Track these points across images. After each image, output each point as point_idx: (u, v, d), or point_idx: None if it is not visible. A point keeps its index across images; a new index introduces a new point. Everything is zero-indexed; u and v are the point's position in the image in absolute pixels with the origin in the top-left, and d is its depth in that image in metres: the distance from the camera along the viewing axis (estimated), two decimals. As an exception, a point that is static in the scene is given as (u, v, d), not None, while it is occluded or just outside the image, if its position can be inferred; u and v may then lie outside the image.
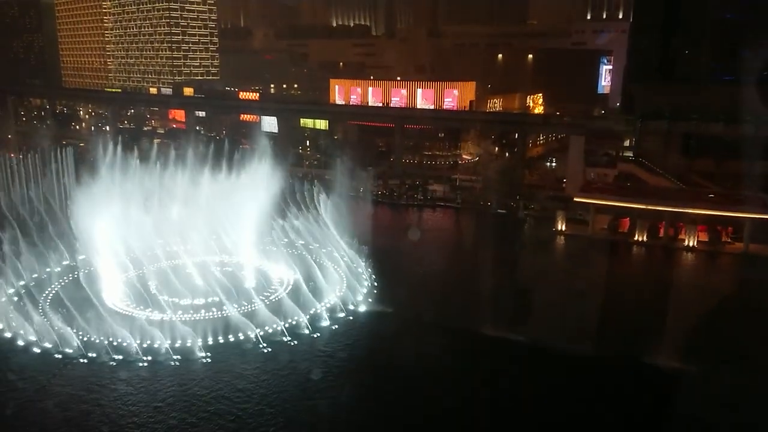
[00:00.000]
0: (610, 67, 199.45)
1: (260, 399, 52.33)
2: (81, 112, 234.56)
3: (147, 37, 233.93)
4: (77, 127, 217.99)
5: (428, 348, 58.91)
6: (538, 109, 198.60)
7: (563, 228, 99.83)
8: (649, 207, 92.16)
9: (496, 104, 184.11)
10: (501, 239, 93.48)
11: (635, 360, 57.89)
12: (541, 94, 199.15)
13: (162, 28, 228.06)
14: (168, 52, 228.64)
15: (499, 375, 55.88)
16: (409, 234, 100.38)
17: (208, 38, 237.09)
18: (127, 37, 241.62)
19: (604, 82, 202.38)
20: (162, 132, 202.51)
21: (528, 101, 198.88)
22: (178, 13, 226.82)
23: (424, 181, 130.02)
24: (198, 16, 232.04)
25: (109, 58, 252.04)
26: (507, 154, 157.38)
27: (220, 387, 53.96)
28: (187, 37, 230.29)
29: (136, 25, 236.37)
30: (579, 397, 52.84)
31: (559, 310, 69.86)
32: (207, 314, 66.20)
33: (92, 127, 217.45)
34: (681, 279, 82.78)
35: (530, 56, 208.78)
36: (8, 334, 62.27)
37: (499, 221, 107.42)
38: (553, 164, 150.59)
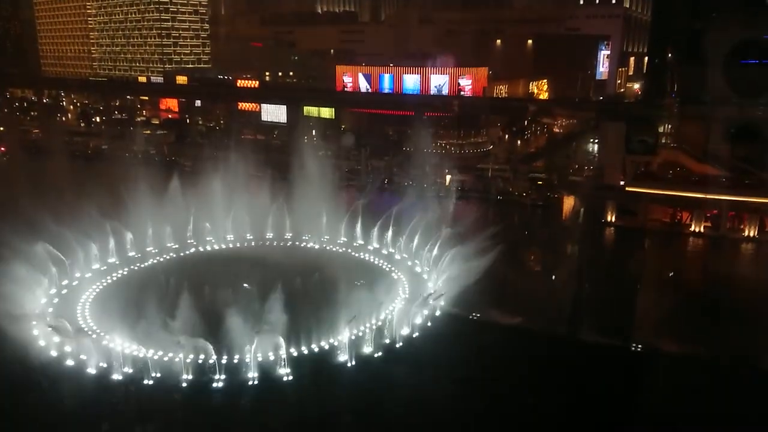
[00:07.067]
0: (608, 52, 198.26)
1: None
2: (64, 103, 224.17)
3: (134, 23, 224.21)
4: (63, 118, 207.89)
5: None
6: (543, 95, 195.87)
7: (612, 219, 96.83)
8: (709, 196, 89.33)
9: (502, 90, 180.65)
10: (556, 234, 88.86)
11: None
12: (545, 80, 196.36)
13: (150, 14, 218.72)
14: (157, 40, 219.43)
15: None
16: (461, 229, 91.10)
17: (199, 25, 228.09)
18: (113, 24, 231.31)
19: (602, 67, 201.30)
20: (156, 122, 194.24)
21: (532, 87, 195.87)
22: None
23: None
24: (188, 1, 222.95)
25: (93, 46, 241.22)
26: (519, 142, 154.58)
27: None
28: (176, 23, 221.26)
29: (122, 11, 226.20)
30: None
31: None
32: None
33: (80, 119, 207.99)
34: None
35: (529, 42, 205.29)
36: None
37: (543, 213, 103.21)
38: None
